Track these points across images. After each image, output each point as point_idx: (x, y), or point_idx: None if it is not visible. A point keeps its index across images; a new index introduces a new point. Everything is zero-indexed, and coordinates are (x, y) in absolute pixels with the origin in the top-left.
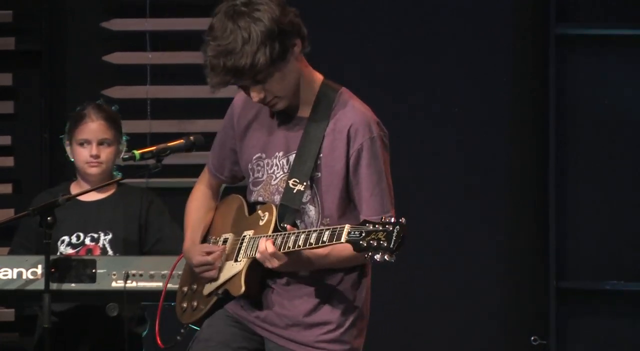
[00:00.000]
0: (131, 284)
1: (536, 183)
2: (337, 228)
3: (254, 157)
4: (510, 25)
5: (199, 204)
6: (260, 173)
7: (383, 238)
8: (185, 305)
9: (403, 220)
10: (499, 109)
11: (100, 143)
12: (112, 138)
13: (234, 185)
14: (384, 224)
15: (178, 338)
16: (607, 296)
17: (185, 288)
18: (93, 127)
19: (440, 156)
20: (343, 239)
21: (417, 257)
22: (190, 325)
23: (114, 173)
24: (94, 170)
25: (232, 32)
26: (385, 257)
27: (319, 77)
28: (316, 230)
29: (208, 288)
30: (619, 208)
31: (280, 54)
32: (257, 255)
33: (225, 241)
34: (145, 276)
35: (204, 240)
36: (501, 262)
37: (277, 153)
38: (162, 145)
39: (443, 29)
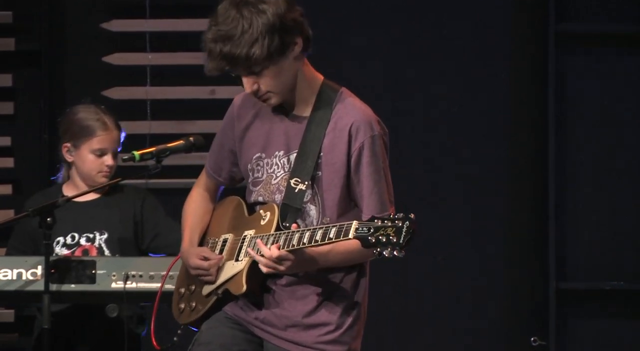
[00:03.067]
0: (131, 285)
1: (536, 183)
2: (344, 224)
3: (254, 157)
4: (510, 23)
5: (196, 206)
6: (260, 173)
7: (392, 234)
8: (182, 305)
9: (412, 215)
10: (499, 108)
11: (113, 152)
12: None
13: (233, 188)
14: (392, 219)
15: (175, 338)
16: (607, 297)
17: (183, 289)
18: (113, 137)
19: (439, 156)
20: (351, 235)
21: (416, 257)
22: (188, 326)
23: None
24: (104, 180)
25: (234, 20)
26: (395, 253)
27: (319, 77)
28: (321, 227)
29: (207, 288)
30: (619, 209)
31: (278, 50)
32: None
33: (225, 241)
34: (145, 277)
35: (202, 241)
36: (501, 263)
37: (277, 153)
38: (161, 146)
39: (442, 28)
